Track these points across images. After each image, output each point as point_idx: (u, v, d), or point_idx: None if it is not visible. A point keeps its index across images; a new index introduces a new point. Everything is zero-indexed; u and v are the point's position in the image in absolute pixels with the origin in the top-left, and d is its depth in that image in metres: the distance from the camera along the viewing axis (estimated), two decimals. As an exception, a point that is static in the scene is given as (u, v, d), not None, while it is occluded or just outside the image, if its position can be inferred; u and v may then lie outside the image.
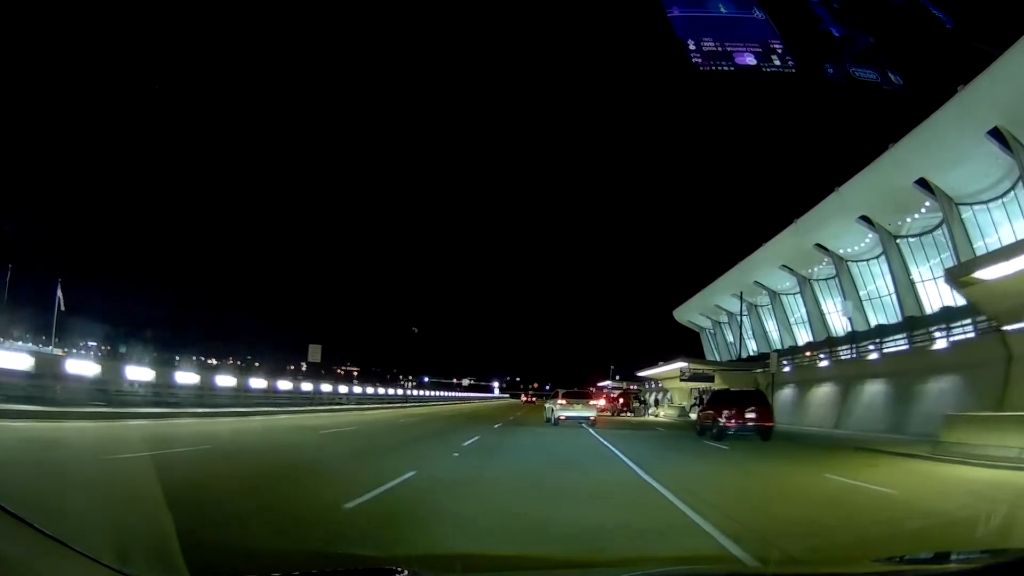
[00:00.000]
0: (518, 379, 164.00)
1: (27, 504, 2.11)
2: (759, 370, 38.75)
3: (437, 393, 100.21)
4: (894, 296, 31.86)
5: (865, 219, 32.36)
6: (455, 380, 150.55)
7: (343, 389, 47.55)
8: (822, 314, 40.34)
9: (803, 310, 41.70)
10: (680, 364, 46.29)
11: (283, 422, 22.67)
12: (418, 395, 78.71)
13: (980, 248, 27.65)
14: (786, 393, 37.53)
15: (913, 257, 31.42)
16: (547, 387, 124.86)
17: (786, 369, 37.35)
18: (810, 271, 40.02)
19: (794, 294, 43.62)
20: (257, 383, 31.36)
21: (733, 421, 20.87)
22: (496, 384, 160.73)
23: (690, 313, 64.54)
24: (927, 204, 29.07)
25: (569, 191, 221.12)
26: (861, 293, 35.64)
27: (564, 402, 29.02)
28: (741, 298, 45.82)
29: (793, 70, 22.84)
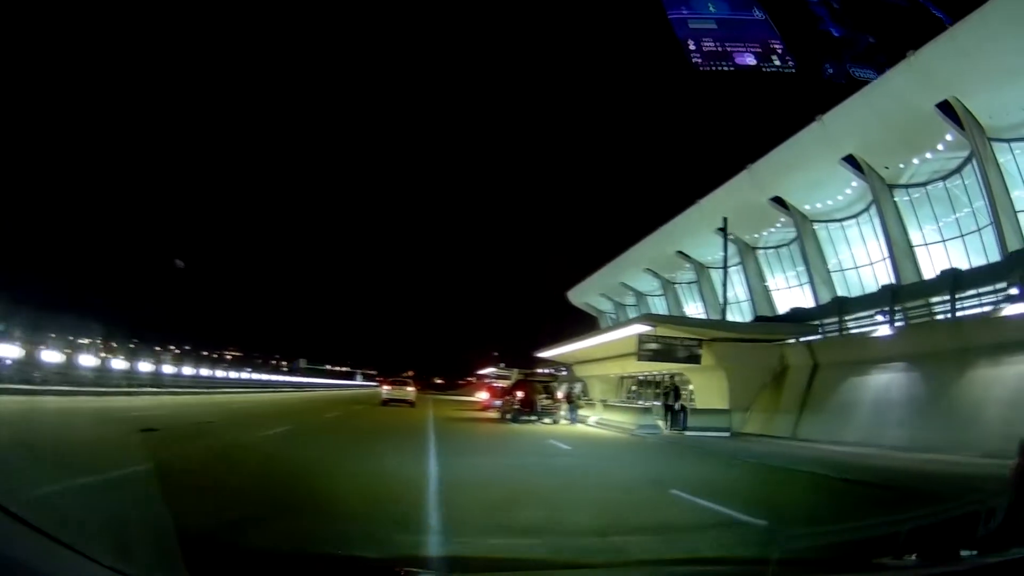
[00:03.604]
0: (394, 366, 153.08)
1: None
2: (793, 339, 23.02)
3: (234, 375, 62.98)
4: (888, 262, 24.13)
5: (851, 161, 24.54)
6: (325, 366, 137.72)
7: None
8: (767, 291, 32.72)
9: (745, 286, 33.84)
10: (638, 329, 24.76)
11: None
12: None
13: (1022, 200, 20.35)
14: (840, 381, 19.75)
15: (915, 212, 23.83)
16: (424, 375, 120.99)
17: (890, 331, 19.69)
18: (757, 236, 32.15)
19: (730, 267, 35.72)
20: None
21: None
22: (372, 372, 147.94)
23: (588, 294, 55.93)
24: (948, 138, 21.48)
25: (445, 171, 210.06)
26: (830, 263, 27.97)
27: (389, 387, 38.45)
28: (725, 237, 29.96)
29: (793, 70, 24.36)
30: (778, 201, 28.81)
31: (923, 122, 21.43)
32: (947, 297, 17.53)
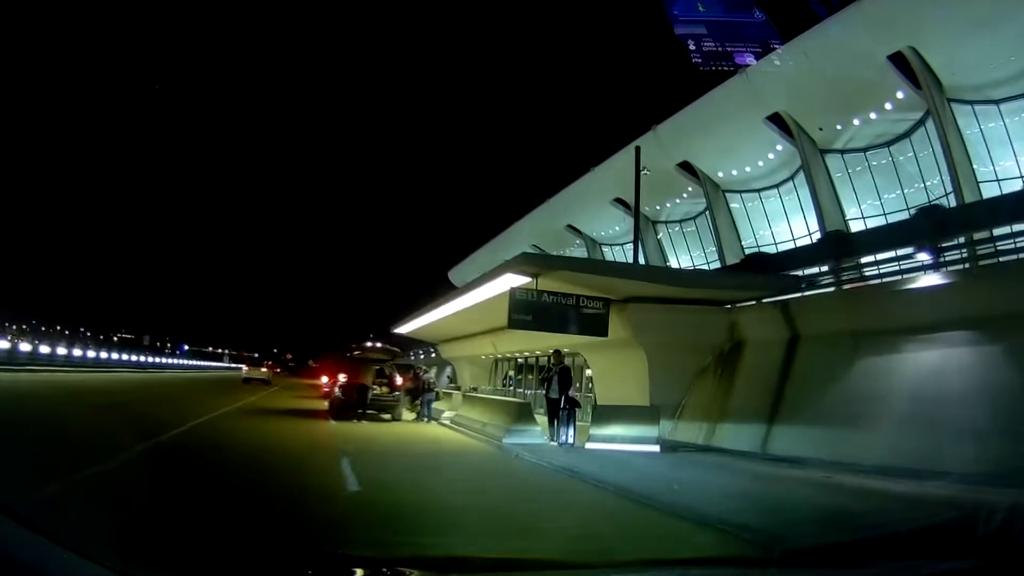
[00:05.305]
0: (276, 350, 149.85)
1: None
2: (752, 300, 14.90)
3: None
4: (817, 237, 20.77)
5: (778, 121, 21.03)
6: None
7: None
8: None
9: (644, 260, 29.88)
10: (510, 281, 15.02)
11: None
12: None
13: (986, 172, 17.42)
14: (843, 363, 12.06)
15: (851, 181, 20.60)
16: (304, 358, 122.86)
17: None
18: (659, 208, 28.36)
19: (627, 243, 31.92)
20: None
21: None
22: (255, 355, 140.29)
23: (471, 274, 50.67)
24: (900, 96, 18.28)
25: (332, 153, 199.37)
26: (746, 241, 24.46)
27: (247, 368, 44.98)
28: (638, 185, 21.27)
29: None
30: (686, 167, 25.09)
31: (871, 77, 18.11)
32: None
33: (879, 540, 4.90)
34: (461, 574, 4.38)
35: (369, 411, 18.98)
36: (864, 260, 13.24)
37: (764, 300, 14.51)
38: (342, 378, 19.43)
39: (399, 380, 20.97)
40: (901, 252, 12.16)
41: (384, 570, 3.71)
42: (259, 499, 6.61)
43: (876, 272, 12.74)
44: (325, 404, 20.65)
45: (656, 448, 13.12)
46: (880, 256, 12.82)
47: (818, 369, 12.63)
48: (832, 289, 13.47)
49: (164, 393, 24.44)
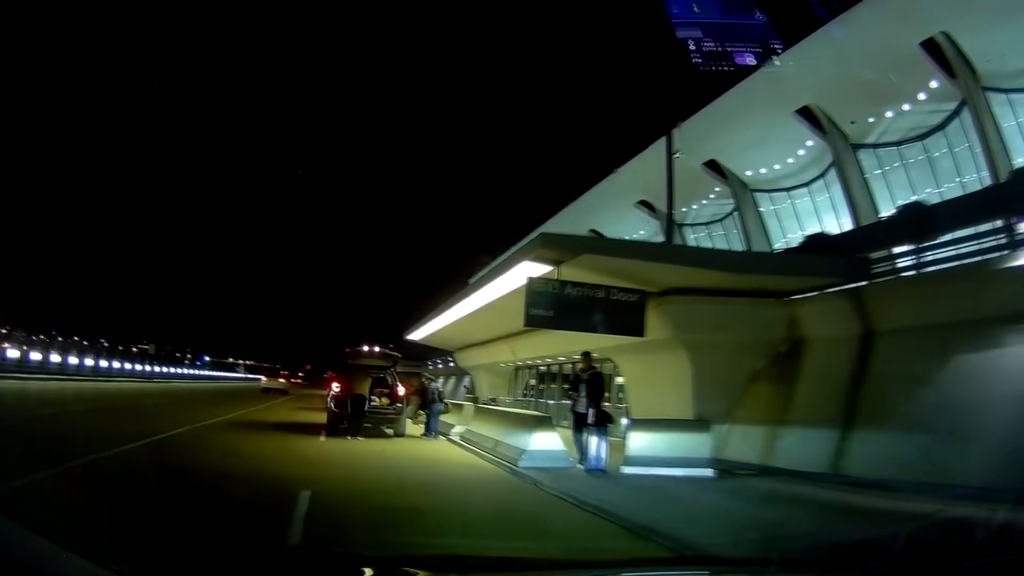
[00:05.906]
0: (297, 360, 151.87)
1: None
2: (816, 290, 12.42)
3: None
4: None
5: (807, 115, 20.32)
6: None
7: None
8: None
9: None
10: (528, 269, 12.21)
11: None
12: None
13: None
14: (934, 363, 10.03)
15: (884, 178, 19.82)
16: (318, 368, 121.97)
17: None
18: (685, 210, 27.56)
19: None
20: None
21: None
22: (278, 367, 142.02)
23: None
24: (933, 85, 17.52)
25: (347, 158, 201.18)
26: (776, 243, 23.71)
27: (266, 379, 54.84)
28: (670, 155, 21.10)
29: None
30: (713, 167, 24.44)
31: (903, 65, 17.37)
32: None
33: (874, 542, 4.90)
34: (461, 574, 4.35)
35: (367, 425, 16.82)
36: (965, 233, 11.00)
37: (829, 290, 12.20)
38: (336, 388, 17.14)
39: (401, 390, 18.63)
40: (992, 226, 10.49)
41: (385, 569, 3.73)
42: (162, 540, 4.79)
43: (977, 247, 10.48)
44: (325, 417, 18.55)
45: (709, 472, 11.16)
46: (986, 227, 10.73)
47: (902, 371, 10.58)
48: (914, 273, 11.26)
49: (134, 405, 23.50)
